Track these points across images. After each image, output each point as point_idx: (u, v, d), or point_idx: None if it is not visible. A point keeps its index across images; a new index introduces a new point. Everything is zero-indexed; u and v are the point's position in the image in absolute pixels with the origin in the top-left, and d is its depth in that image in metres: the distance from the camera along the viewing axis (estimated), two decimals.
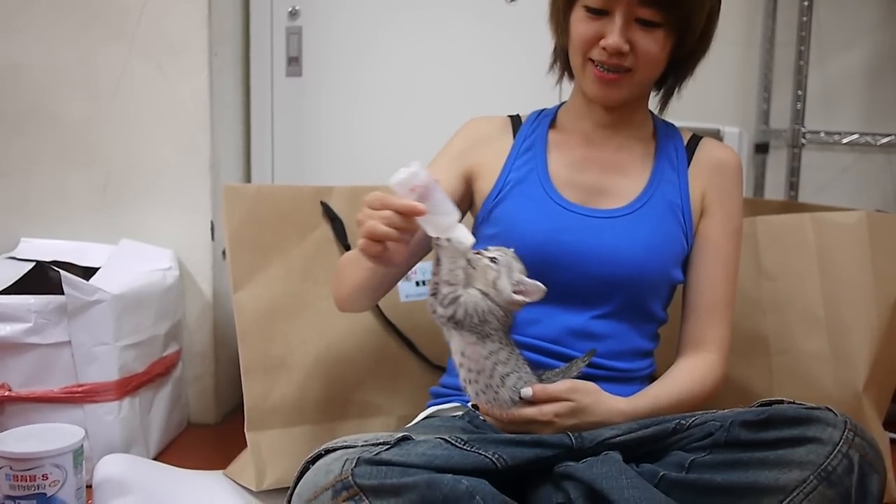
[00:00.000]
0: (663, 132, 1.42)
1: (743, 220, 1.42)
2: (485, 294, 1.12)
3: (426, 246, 1.25)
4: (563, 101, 1.47)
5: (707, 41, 1.34)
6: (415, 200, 1.07)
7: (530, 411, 1.16)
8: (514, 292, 1.13)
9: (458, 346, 1.16)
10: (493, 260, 1.13)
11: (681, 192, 1.36)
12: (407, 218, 1.08)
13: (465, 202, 1.42)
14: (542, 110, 1.46)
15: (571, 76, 1.40)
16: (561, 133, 1.41)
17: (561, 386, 1.18)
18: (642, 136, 1.41)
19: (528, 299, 1.13)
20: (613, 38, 1.25)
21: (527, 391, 1.15)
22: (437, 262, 1.14)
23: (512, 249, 1.17)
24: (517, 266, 1.15)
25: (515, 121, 1.45)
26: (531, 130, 1.42)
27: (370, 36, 2.27)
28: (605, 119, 1.38)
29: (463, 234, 1.12)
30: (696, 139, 1.43)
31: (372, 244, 1.09)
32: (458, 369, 1.17)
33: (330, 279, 1.43)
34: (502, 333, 1.15)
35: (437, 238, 1.12)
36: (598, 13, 1.26)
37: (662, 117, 1.46)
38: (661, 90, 1.42)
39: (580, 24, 1.29)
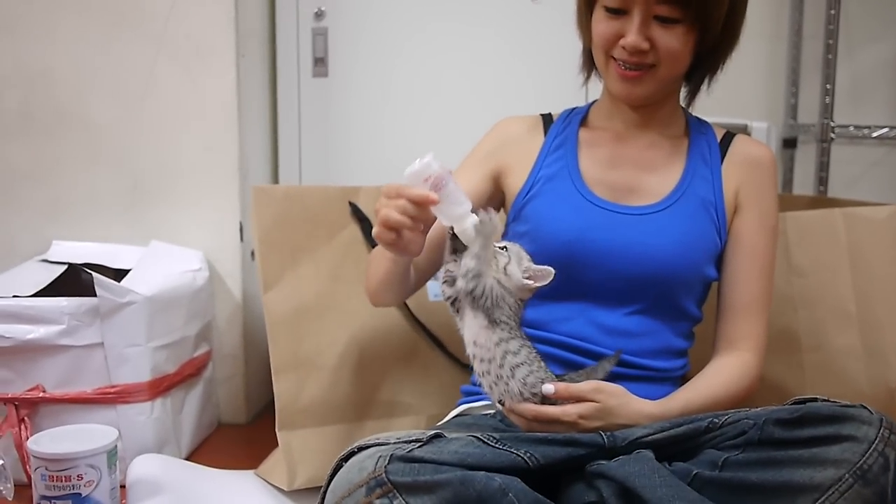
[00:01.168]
0: (696, 129, 1.42)
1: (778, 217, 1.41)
2: (498, 282, 1.16)
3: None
4: (590, 100, 1.47)
5: (733, 35, 1.33)
6: (428, 190, 1.11)
7: (554, 410, 1.15)
8: (525, 278, 1.16)
9: (471, 333, 1.17)
10: (503, 248, 1.18)
11: (714, 188, 1.36)
12: (420, 207, 1.11)
13: (494, 203, 1.42)
14: (574, 108, 1.46)
15: (600, 76, 1.39)
16: (592, 131, 1.41)
17: (585, 386, 1.17)
18: (674, 134, 1.41)
19: (537, 284, 1.17)
20: (632, 37, 1.25)
21: (548, 388, 1.15)
22: (451, 251, 1.19)
23: (518, 244, 1.20)
24: (525, 255, 1.19)
25: (547, 119, 1.46)
26: (562, 128, 1.42)
27: (396, 36, 2.27)
28: (634, 117, 1.38)
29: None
30: (729, 136, 1.42)
31: (386, 231, 1.14)
32: (472, 362, 1.18)
33: (360, 279, 1.43)
34: (514, 323, 1.17)
35: (451, 228, 1.16)
36: (617, 12, 1.27)
37: (689, 112, 1.45)
38: (689, 85, 1.41)
39: (600, 24, 1.30)
